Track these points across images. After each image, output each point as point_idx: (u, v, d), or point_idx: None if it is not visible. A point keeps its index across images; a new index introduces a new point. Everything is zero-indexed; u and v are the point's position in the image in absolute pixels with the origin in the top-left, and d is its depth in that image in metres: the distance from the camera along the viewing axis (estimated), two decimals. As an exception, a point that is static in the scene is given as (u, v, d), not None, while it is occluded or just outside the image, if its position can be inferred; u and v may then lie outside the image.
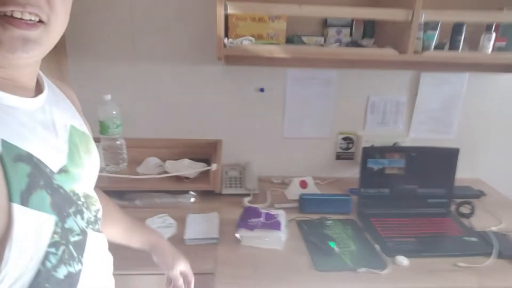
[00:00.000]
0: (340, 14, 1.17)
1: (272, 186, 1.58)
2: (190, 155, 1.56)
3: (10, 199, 0.48)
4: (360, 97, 1.64)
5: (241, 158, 1.66)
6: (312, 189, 1.51)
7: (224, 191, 1.47)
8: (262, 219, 1.21)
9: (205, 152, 1.58)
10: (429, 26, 1.25)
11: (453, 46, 1.29)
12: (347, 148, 1.71)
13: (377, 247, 1.17)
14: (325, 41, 1.45)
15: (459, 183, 1.46)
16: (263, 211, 1.26)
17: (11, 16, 0.49)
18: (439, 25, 1.25)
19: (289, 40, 1.44)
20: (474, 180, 1.75)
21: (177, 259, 0.87)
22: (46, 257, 0.53)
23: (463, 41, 1.30)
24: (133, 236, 0.88)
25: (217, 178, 1.39)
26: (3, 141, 0.49)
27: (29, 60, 0.55)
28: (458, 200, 1.46)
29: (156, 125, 1.61)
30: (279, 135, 1.67)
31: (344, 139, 1.70)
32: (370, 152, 1.36)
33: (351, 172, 1.72)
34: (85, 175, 0.65)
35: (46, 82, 0.64)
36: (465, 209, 1.43)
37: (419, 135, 1.72)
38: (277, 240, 1.15)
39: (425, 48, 1.28)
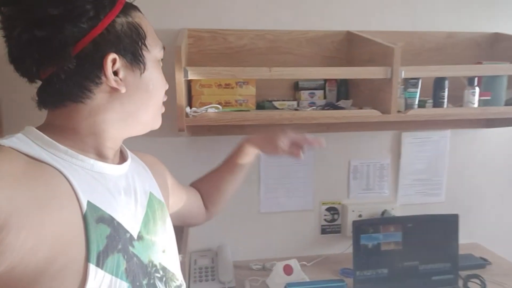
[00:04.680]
0: (314, 75, 1.05)
1: (251, 274, 1.33)
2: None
3: (87, 259, 0.48)
4: (340, 162, 1.50)
5: (213, 242, 1.42)
6: (298, 274, 1.27)
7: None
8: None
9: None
10: (409, 83, 1.15)
11: (437, 102, 1.20)
12: (333, 220, 1.52)
13: None
14: (298, 105, 1.33)
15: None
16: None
17: None
18: (419, 82, 1.16)
19: (260, 106, 1.30)
20: (473, 245, 1.58)
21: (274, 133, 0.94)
22: None
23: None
24: (234, 163, 0.99)
25: (184, 273, 1.14)
26: (89, 203, 0.51)
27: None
28: (464, 274, 1.28)
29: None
30: (255, 211, 1.47)
31: (328, 209, 1.51)
32: (363, 227, 1.18)
33: (340, 248, 1.51)
34: (159, 243, 0.63)
35: (129, 152, 0.68)
36: (474, 285, 1.25)
37: (408, 200, 1.57)
38: None
39: (408, 106, 1.18)
